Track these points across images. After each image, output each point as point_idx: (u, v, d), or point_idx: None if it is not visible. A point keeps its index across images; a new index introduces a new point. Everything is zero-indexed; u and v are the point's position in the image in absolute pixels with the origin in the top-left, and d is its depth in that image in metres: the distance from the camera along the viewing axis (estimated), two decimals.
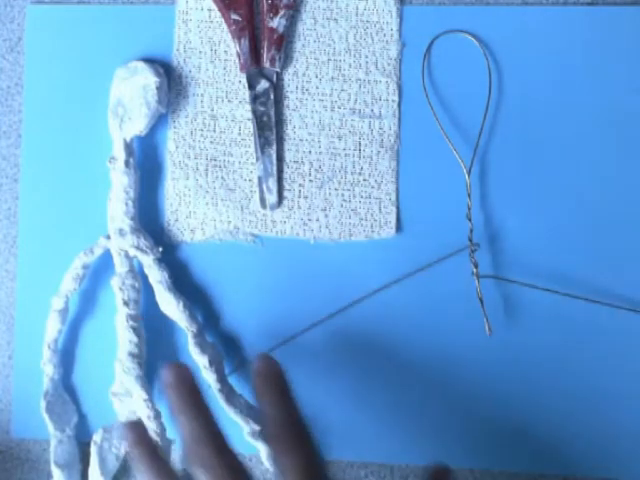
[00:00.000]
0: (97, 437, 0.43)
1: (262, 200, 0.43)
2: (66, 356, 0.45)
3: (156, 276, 0.43)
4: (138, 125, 0.43)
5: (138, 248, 0.43)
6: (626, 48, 0.42)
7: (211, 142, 0.44)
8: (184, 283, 0.44)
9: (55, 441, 0.43)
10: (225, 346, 0.44)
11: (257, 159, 0.43)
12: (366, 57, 0.43)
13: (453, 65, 0.43)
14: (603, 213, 0.42)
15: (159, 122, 0.44)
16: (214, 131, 0.44)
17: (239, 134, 0.44)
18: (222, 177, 0.44)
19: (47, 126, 0.45)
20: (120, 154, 0.43)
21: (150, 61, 0.44)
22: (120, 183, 0.43)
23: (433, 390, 0.42)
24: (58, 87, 0.45)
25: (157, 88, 0.42)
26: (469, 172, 0.42)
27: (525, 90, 0.42)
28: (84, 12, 0.45)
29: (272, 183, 0.43)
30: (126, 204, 0.43)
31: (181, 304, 0.42)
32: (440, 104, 0.43)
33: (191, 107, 0.44)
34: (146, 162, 0.44)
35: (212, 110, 0.44)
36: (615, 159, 0.42)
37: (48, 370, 0.43)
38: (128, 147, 0.43)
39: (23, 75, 0.46)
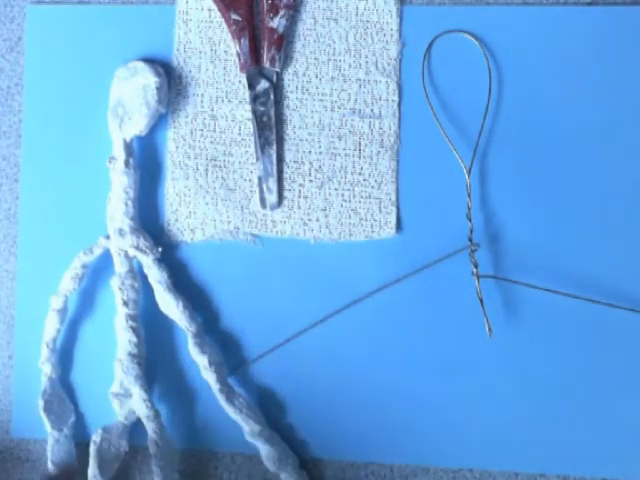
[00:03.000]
0: (96, 437, 0.43)
1: (262, 200, 0.43)
2: (65, 356, 0.45)
3: (156, 276, 0.43)
4: (138, 125, 0.43)
5: (138, 248, 0.43)
6: (626, 48, 0.42)
7: (211, 142, 0.44)
8: (184, 283, 0.44)
9: (52, 440, 0.43)
10: (225, 346, 0.44)
11: (257, 159, 0.43)
12: (366, 57, 0.43)
13: (453, 65, 0.43)
14: (603, 213, 0.42)
15: (159, 122, 0.44)
16: (214, 131, 0.44)
17: (239, 134, 0.44)
18: (222, 177, 0.44)
19: (47, 126, 0.45)
20: (120, 154, 0.43)
21: (150, 61, 0.44)
22: (120, 183, 0.43)
23: (433, 390, 0.42)
24: (58, 87, 0.45)
25: (157, 88, 0.42)
26: (469, 172, 0.42)
27: (525, 90, 0.42)
28: (84, 12, 0.45)
29: (272, 183, 0.43)
30: (126, 204, 0.43)
31: (180, 304, 0.42)
32: (440, 104, 0.43)
33: (191, 107, 0.44)
34: (146, 162, 0.44)
35: (212, 110, 0.44)
36: (615, 159, 0.42)
37: (46, 369, 0.43)
38: (128, 147, 0.43)
39: (23, 75, 0.46)
